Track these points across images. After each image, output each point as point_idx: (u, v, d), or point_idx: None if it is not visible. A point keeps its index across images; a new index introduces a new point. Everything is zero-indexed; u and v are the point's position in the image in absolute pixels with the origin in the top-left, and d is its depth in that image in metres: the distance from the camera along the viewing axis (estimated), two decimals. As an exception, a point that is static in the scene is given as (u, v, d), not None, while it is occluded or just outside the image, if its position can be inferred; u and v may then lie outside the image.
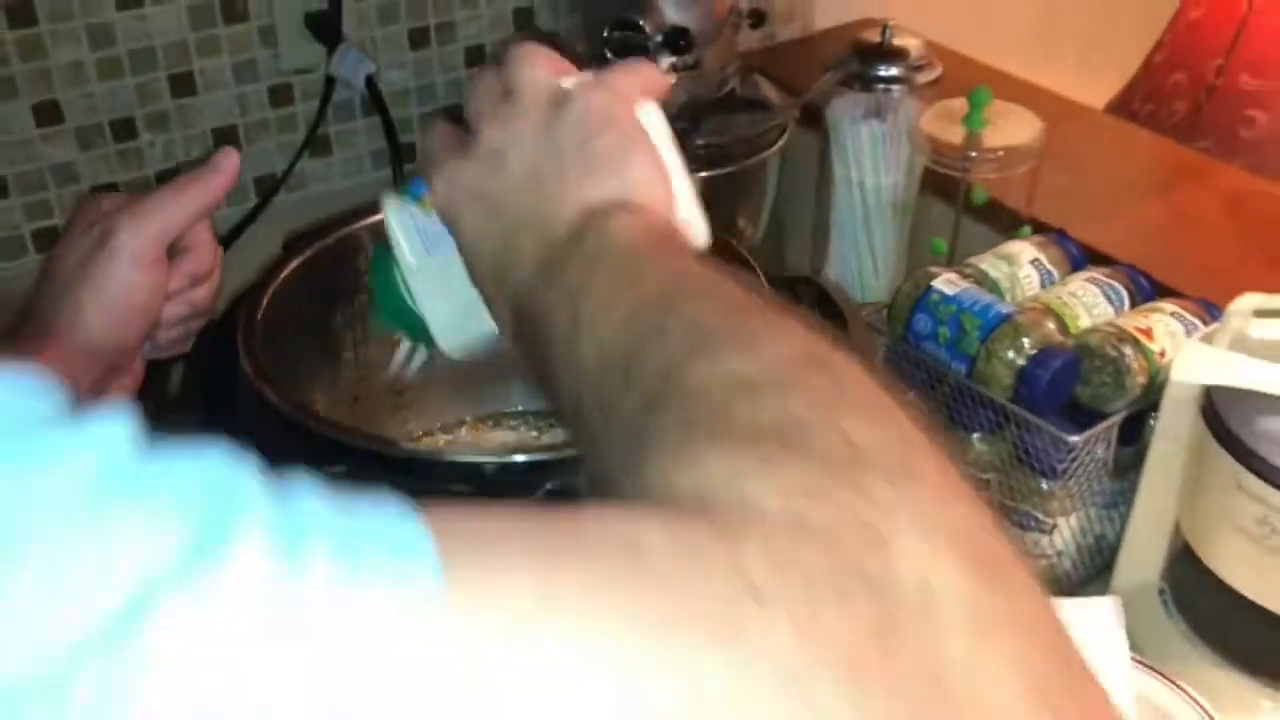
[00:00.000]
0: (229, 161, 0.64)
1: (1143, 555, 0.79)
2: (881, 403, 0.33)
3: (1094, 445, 0.78)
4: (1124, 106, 1.30)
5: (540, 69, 0.50)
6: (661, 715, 0.22)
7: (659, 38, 0.90)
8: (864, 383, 0.34)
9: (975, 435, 0.83)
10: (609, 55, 0.91)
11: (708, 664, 0.23)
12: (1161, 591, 0.79)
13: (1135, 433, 0.80)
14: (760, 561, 0.25)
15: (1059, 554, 0.82)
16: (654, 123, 0.51)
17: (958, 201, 1.00)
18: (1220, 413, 0.69)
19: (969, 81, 0.99)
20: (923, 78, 1.02)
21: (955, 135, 0.96)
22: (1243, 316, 0.72)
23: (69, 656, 0.18)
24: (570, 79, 0.51)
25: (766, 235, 1.07)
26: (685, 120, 0.96)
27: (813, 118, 1.06)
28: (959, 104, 0.97)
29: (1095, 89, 1.35)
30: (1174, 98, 1.22)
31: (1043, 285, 0.86)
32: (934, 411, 0.85)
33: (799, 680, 0.23)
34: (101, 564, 0.19)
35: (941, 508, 0.28)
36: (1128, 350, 0.77)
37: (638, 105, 0.50)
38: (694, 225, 0.52)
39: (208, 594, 0.19)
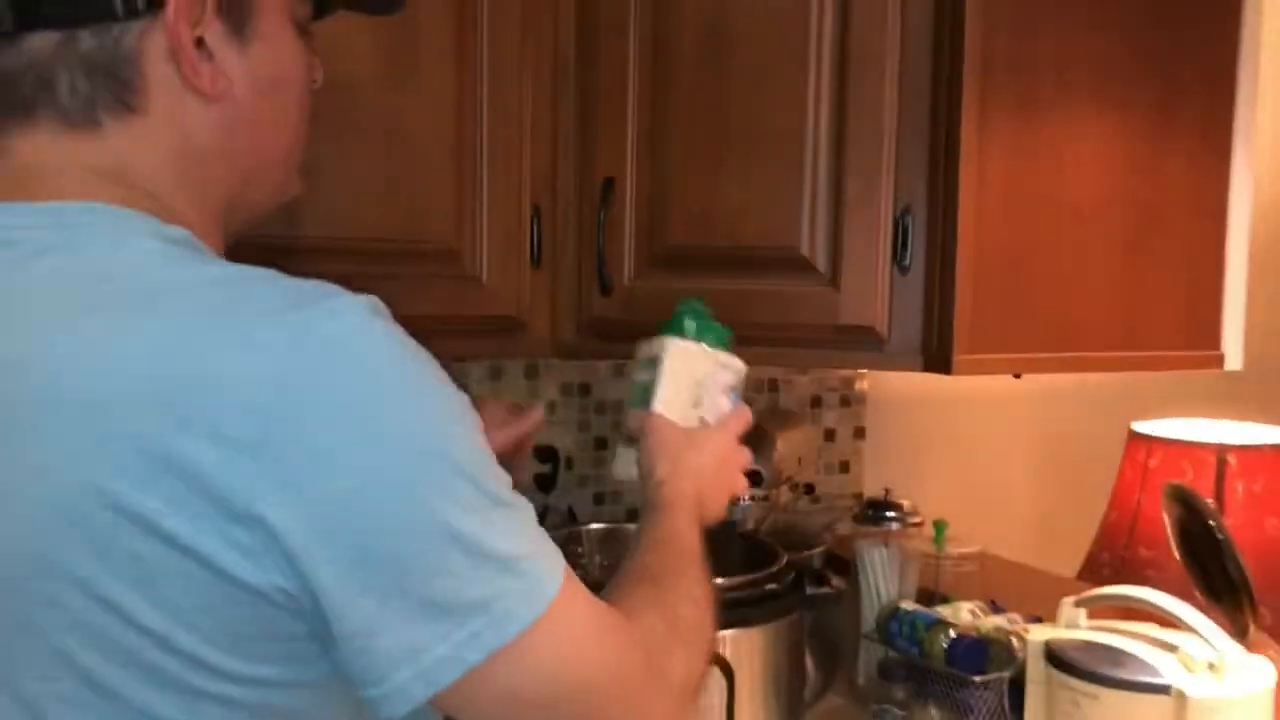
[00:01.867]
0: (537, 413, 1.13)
1: (1034, 769, 1.21)
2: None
3: (995, 692, 1.24)
4: (1081, 578, 1.81)
5: None
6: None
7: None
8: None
9: (931, 704, 1.29)
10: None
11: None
12: (1049, 795, 1.20)
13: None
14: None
15: (985, 776, 1.25)
16: None
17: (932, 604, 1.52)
18: (1052, 650, 1.17)
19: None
20: (913, 520, 1.59)
21: (930, 549, 1.52)
22: (1070, 608, 1.22)
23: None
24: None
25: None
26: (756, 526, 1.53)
27: (844, 550, 1.62)
28: (929, 530, 1.53)
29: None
30: (1103, 567, 1.74)
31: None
32: (907, 689, 1.32)
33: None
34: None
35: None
36: (1014, 639, 1.26)
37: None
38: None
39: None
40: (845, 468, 1.95)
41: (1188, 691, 1.06)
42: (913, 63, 1.15)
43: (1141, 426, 1.76)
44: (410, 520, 0.63)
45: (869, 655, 1.45)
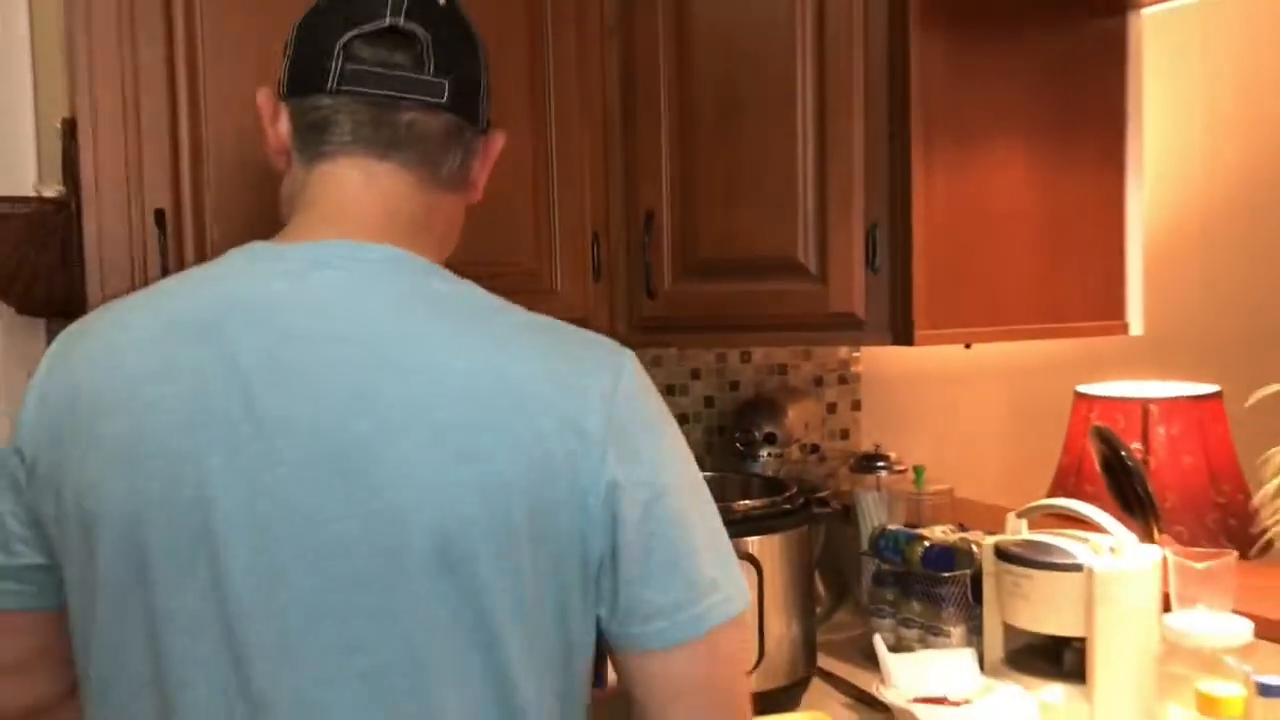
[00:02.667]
0: None
1: (993, 641, 1.58)
2: None
3: (960, 586, 1.61)
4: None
5: None
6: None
7: (761, 437, 1.88)
8: None
9: (913, 600, 1.66)
10: (739, 447, 1.89)
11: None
12: (1004, 660, 1.57)
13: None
14: None
15: (956, 651, 1.61)
16: None
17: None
18: (999, 548, 1.54)
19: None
20: (898, 468, 1.96)
21: (910, 487, 1.89)
22: (1014, 519, 1.59)
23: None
24: None
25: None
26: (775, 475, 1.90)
27: (844, 492, 1.99)
28: (912, 476, 1.90)
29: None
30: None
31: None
32: (895, 591, 1.69)
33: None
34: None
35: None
36: (974, 545, 1.63)
37: None
38: None
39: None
40: (845, 434, 2.32)
41: (1095, 568, 1.43)
42: (873, 118, 1.52)
43: (1084, 389, 2.13)
44: (693, 511, 0.89)
45: (868, 576, 1.82)
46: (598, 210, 1.68)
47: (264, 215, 1.12)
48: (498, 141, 1.04)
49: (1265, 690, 1.24)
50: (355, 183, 0.94)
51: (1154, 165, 2.48)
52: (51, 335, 1.69)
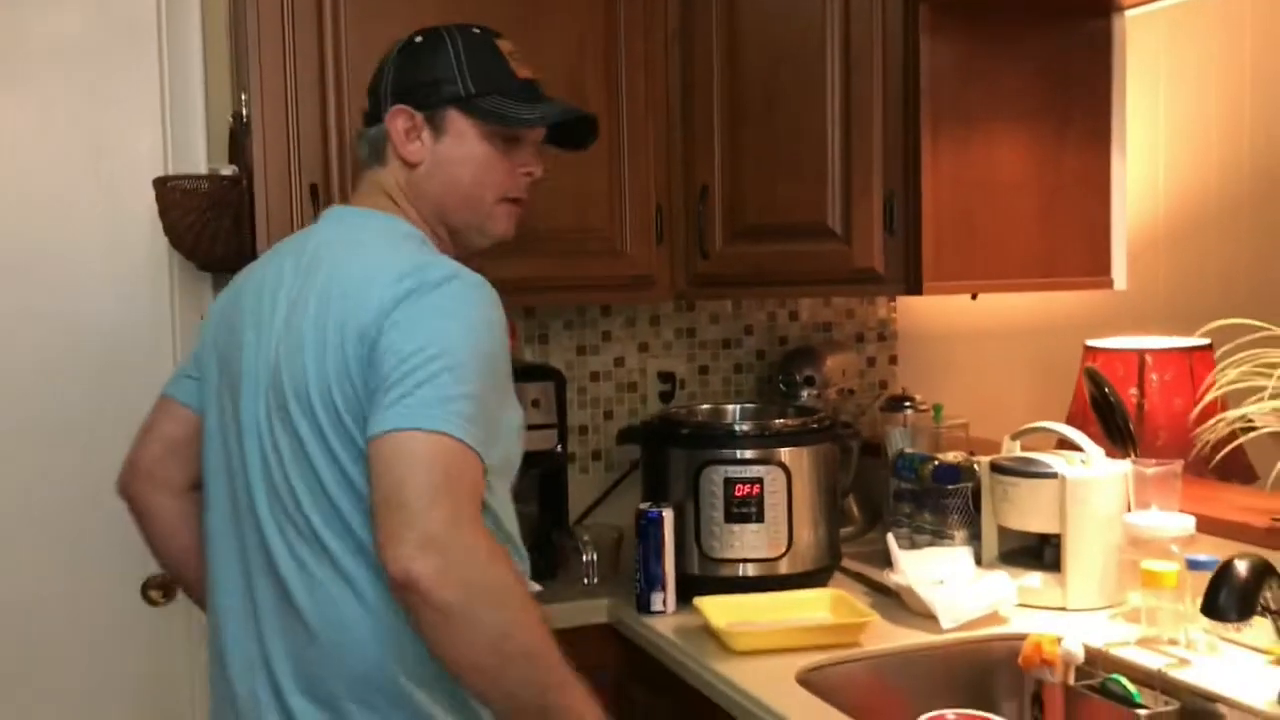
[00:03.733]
0: None
1: (989, 542, 1.89)
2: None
3: (963, 498, 1.92)
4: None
5: None
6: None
7: (802, 380, 2.20)
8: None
9: (925, 511, 1.98)
10: (782, 388, 2.22)
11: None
12: (998, 558, 1.88)
13: (987, 505, 1.93)
14: None
15: (960, 552, 1.92)
16: None
17: (940, 460, 2.20)
18: (994, 463, 1.84)
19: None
20: (922, 408, 2.27)
21: (932, 425, 2.20)
22: (1009, 441, 1.89)
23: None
24: None
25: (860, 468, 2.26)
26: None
27: (877, 434, 2.30)
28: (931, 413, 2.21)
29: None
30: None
31: (955, 460, 2.04)
32: (911, 505, 2.00)
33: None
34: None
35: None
36: (975, 464, 1.94)
37: None
38: None
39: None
40: (884, 385, 2.62)
41: (1067, 475, 1.74)
42: (891, 106, 1.83)
43: (1092, 342, 2.42)
44: (446, 370, 1.16)
45: (890, 496, 2.13)
46: (660, 184, 2.02)
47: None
48: (392, 117, 1.38)
49: (1193, 565, 1.54)
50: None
51: (1173, 147, 2.77)
52: (218, 288, 2.07)
